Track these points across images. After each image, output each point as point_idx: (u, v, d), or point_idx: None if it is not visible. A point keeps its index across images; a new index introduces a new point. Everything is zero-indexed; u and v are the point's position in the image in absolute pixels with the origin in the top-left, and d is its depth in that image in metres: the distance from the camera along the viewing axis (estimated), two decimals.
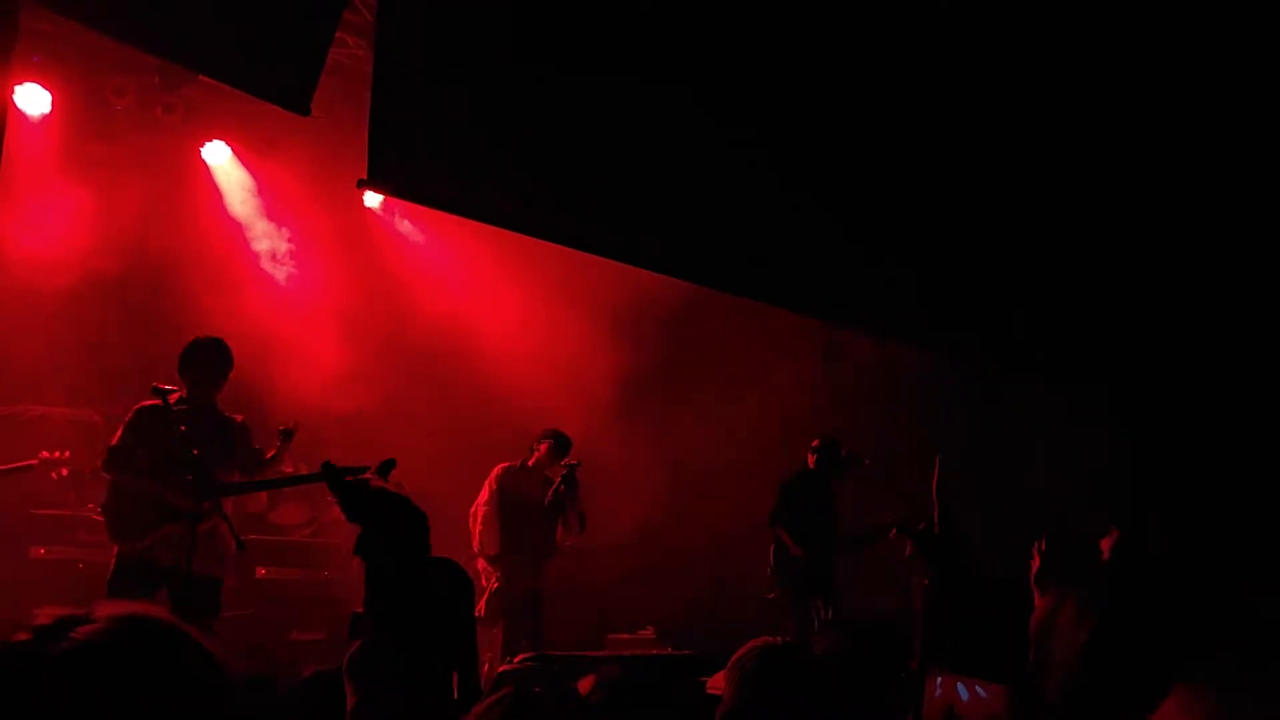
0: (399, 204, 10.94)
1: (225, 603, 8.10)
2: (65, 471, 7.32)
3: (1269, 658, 1.00)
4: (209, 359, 6.12)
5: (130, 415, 6.01)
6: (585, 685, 2.18)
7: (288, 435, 6.31)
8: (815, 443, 8.36)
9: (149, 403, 5.95)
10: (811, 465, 8.31)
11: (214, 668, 1.03)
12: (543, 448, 8.08)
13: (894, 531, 7.59)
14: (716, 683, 2.75)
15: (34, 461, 7.19)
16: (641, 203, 4.14)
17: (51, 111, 9.01)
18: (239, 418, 6.26)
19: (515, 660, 5.31)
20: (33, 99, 8.90)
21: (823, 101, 3.95)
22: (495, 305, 11.33)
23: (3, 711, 0.91)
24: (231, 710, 1.02)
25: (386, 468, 3.27)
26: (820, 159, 4.03)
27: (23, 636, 0.97)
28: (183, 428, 5.81)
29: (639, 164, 4.08)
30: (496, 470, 8.08)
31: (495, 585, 7.86)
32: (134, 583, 5.67)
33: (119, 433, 6.00)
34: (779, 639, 2.90)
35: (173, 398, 5.84)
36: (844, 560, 8.23)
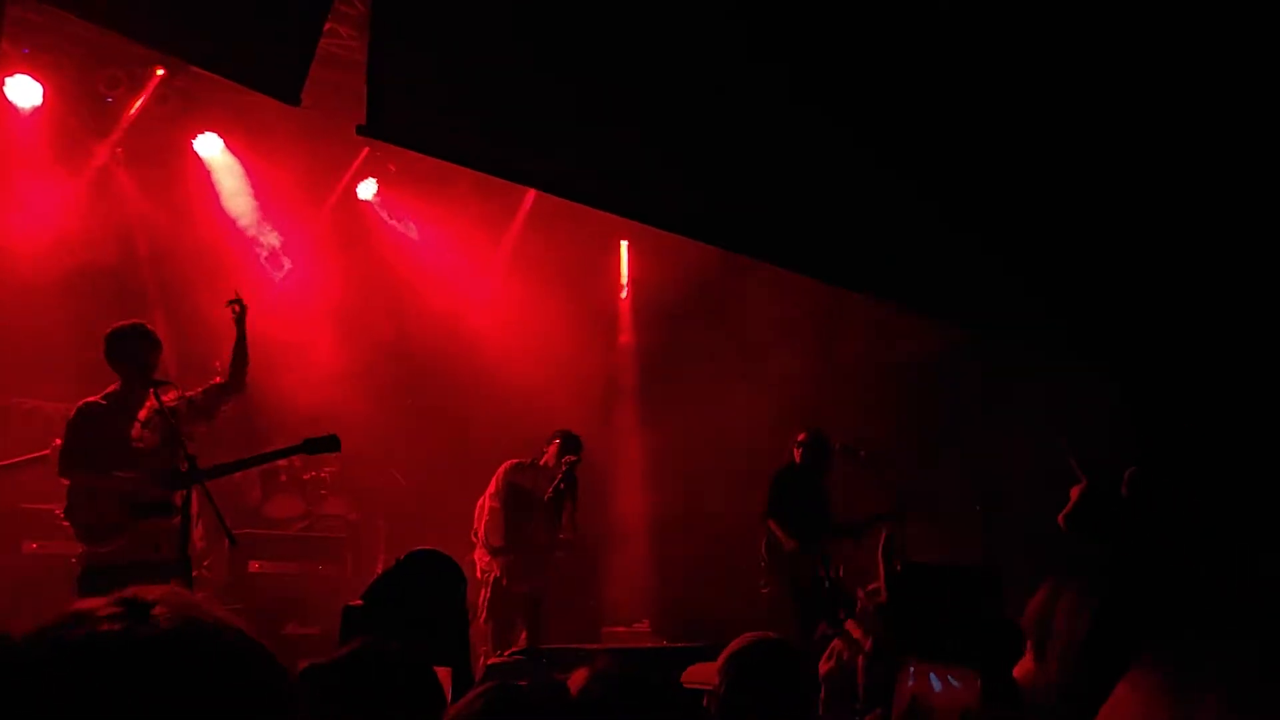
0: (393, 197, 10.92)
1: (218, 598, 8.06)
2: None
3: (1237, 634, 0.99)
4: (137, 345, 5.83)
5: (74, 415, 5.76)
6: (578, 678, 2.16)
7: (241, 311, 6.07)
8: (801, 436, 8.29)
9: (90, 399, 5.79)
10: (798, 459, 8.26)
11: (273, 661, 1.02)
12: (551, 447, 8.05)
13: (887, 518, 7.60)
14: (691, 676, 2.74)
15: (47, 451, 7.15)
16: (654, 158, 3.99)
17: (43, 103, 8.96)
18: (171, 394, 5.84)
19: (504, 655, 5.28)
20: (24, 91, 8.85)
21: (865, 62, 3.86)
22: (492, 300, 11.31)
23: (115, 693, 0.91)
24: (292, 698, 1.01)
25: None
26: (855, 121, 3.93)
27: (114, 611, 0.97)
28: (138, 419, 5.73)
29: (655, 116, 3.93)
30: (505, 466, 8.06)
31: (494, 580, 7.83)
32: (105, 585, 5.44)
33: (65, 435, 5.75)
34: (772, 634, 2.90)
35: (165, 391, 5.74)
36: (842, 551, 8.21)
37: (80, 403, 5.82)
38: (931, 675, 1.55)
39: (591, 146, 4.02)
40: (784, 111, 3.95)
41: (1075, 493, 2.45)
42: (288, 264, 10.58)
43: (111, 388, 5.87)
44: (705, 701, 2.69)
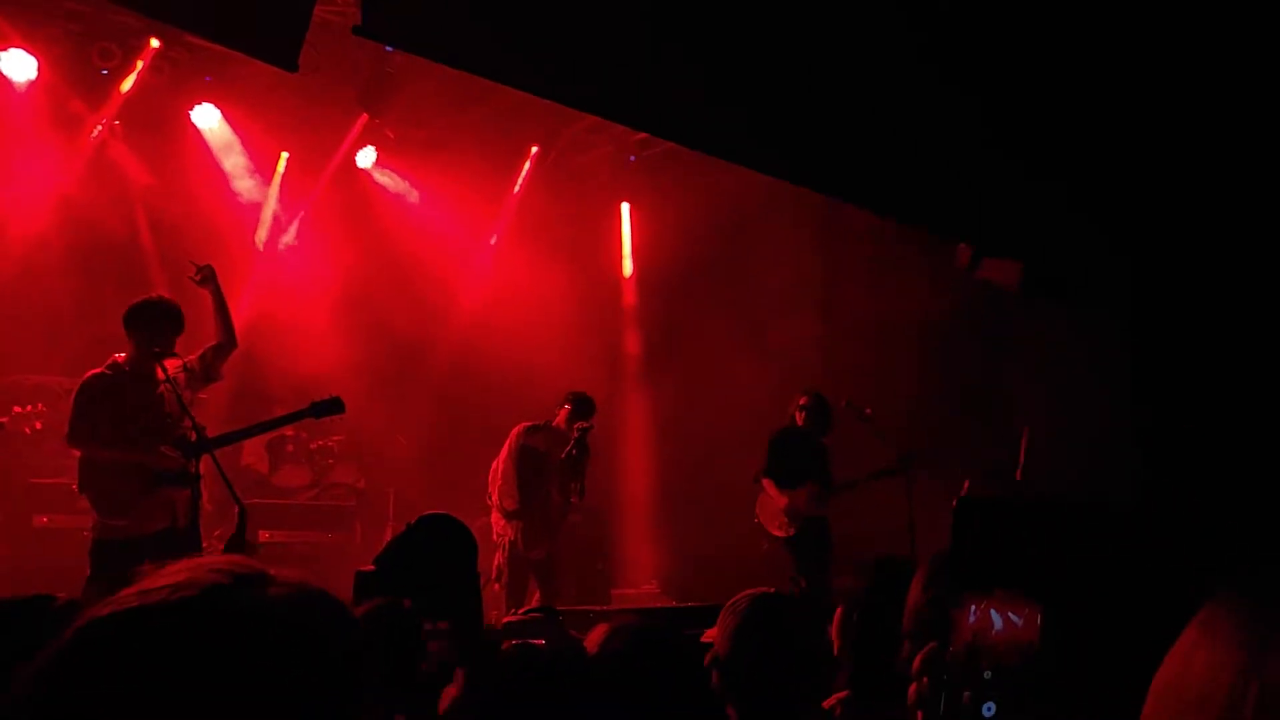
0: (392, 164, 10.87)
1: None
2: (39, 424, 7.31)
3: None
4: (162, 318, 5.78)
5: (79, 387, 5.75)
6: (597, 634, 2.17)
7: (207, 275, 6.00)
8: (801, 400, 8.34)
9: (95, 371, 5.77)
10: (800, 421, 8.32)
11: (364, 642, 1.02)
12: (563, 411, 8.04)
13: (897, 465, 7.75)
14: (710, 636, 2.74)
15: (4, 419, 7.15)
16: (665, 66, 3.77)
17: (38, 77, 8.91)
18: (171, 366, 5.80)
19: (519, 613, 5.27)
20: (18, 65, 8.79)
21: None
22: (494, 266, 11.29)
23: (214, 650, 0.90)
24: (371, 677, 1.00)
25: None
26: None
27: (220, 580, 0.94)
28: (161, 391, 5.73)
29: (665, 17, 3.70)
30: (518, 428, 8.04)
31: (508, 544, 7.84)
32: (120, 555, 5.45)
33: (72, 408, 5.71)
34: (772, 589, 2.91)
35: (170, 362, 5.75)
36: (842, 506, 8.27)
37: (86, 375, 5.80)
38: (992, 612, 1.54)
39: (600, 50, 3.81)
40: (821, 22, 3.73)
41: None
42: (289, 234, 10.56)
43: (118, 358, 5.83)
44: (707, 662, 2.69)
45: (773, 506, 8.23)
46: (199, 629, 0.90)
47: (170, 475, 5.63)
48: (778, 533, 8.21)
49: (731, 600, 2.78)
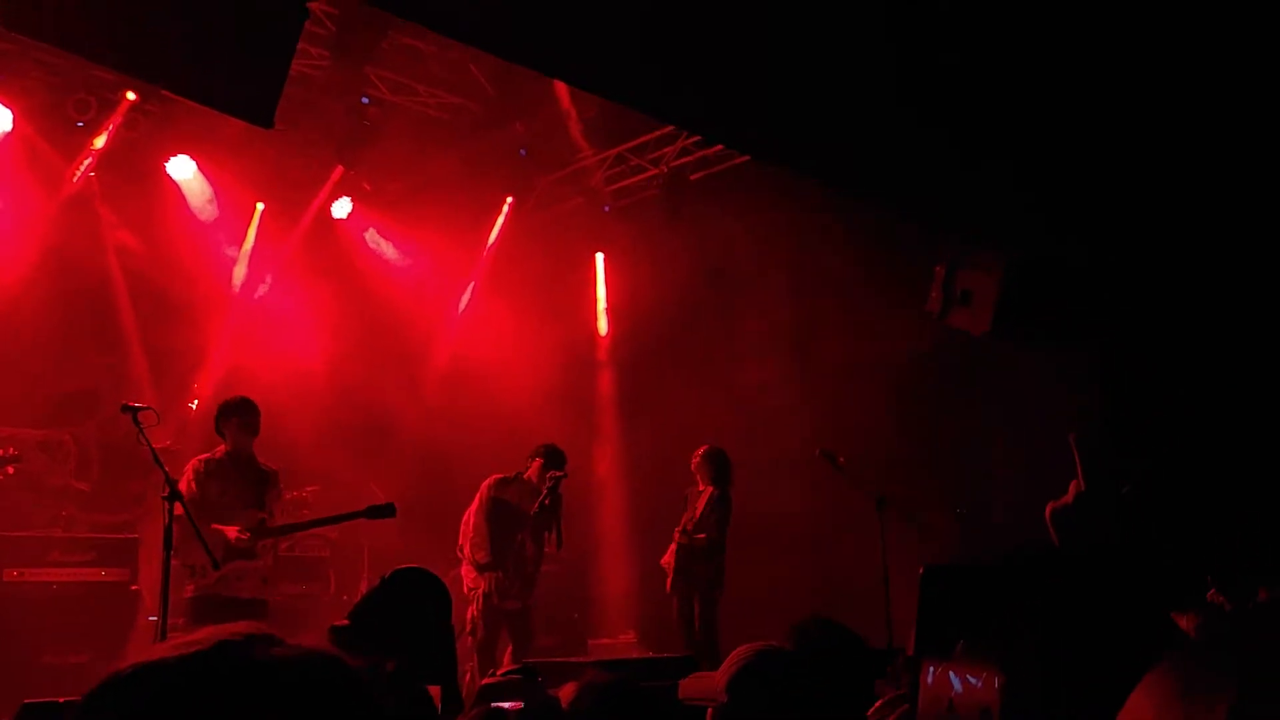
0: (368, 215, 10.92)
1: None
2: (11, 470, 7.36)
3: (1252, 642, 1.00)
4: (245, 415, 6.80)
5: (189, 471, 6.65)
6: (566, 692, 2.18)
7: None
8: (700, 450, 8.54)
9: (202, 457, 6.74)
10: (696, 475, 8.52)
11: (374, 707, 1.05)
12: (535, 462, 7.99)
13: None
14: (688, 690, 2.76)
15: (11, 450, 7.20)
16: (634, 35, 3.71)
17: (13, 129, 8.93)
18: (274, 467, 6.97)
19: (498, 674, 5.22)
20: None
21: None
22: (469, 315, 11.32)
23: (220, 707, 0.94)
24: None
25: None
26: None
27: (233, 638, 0.99)
28: (234, 475, 6.71)
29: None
30: (488, 481, 7.99)
31: (481, 596, 7.77)
32: (211, 611, 6.30)
33: (183, 487, 6.49)
34: (772, 642, 2.92)
35: (143, 415, 5.87)
36: (818, 552, 8.29)
37: (194, 460, 6.76)
38: (951, 674, 1.57)
39: (587, 22, 3.75)
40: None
41: (1072, 490, 2.44)
42: (264, 285, 10.57)
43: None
44: (709, 716, 2.70)
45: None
46: (208, 680, 0.95)
47: (238, 551, 6.50)
48: (668, 585, 8.55)
49: (737, 655, 2.81)
